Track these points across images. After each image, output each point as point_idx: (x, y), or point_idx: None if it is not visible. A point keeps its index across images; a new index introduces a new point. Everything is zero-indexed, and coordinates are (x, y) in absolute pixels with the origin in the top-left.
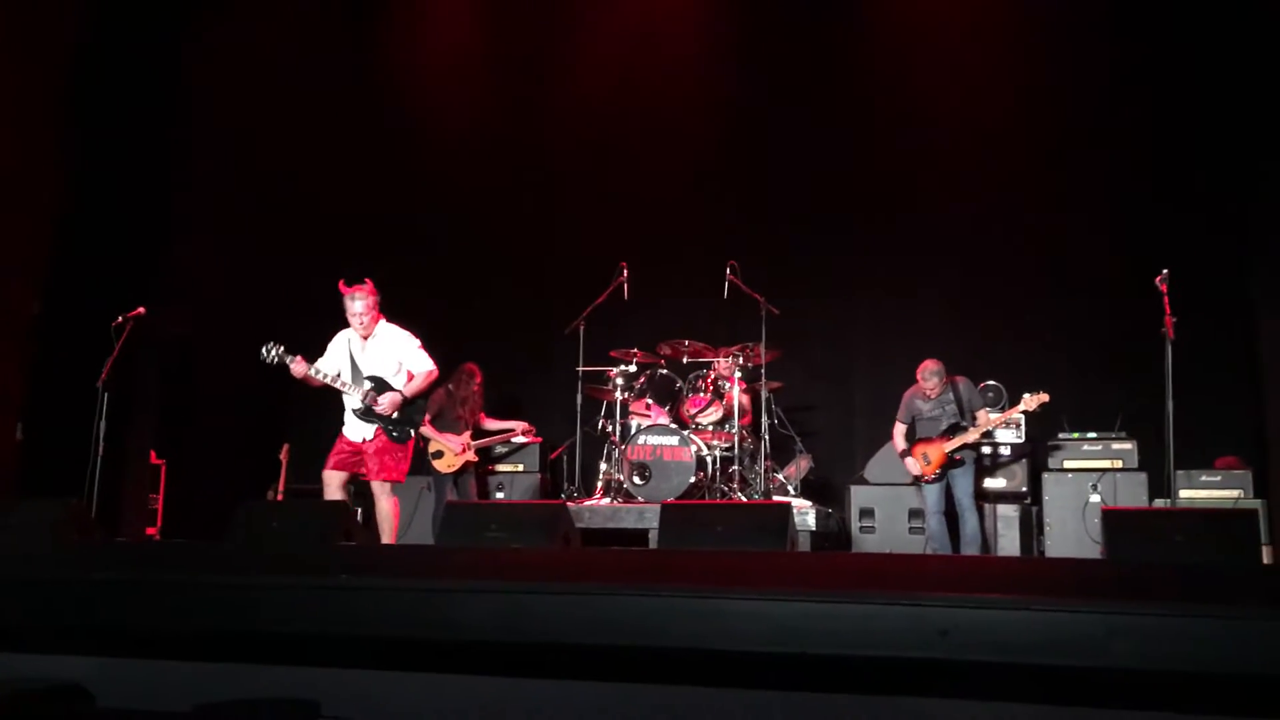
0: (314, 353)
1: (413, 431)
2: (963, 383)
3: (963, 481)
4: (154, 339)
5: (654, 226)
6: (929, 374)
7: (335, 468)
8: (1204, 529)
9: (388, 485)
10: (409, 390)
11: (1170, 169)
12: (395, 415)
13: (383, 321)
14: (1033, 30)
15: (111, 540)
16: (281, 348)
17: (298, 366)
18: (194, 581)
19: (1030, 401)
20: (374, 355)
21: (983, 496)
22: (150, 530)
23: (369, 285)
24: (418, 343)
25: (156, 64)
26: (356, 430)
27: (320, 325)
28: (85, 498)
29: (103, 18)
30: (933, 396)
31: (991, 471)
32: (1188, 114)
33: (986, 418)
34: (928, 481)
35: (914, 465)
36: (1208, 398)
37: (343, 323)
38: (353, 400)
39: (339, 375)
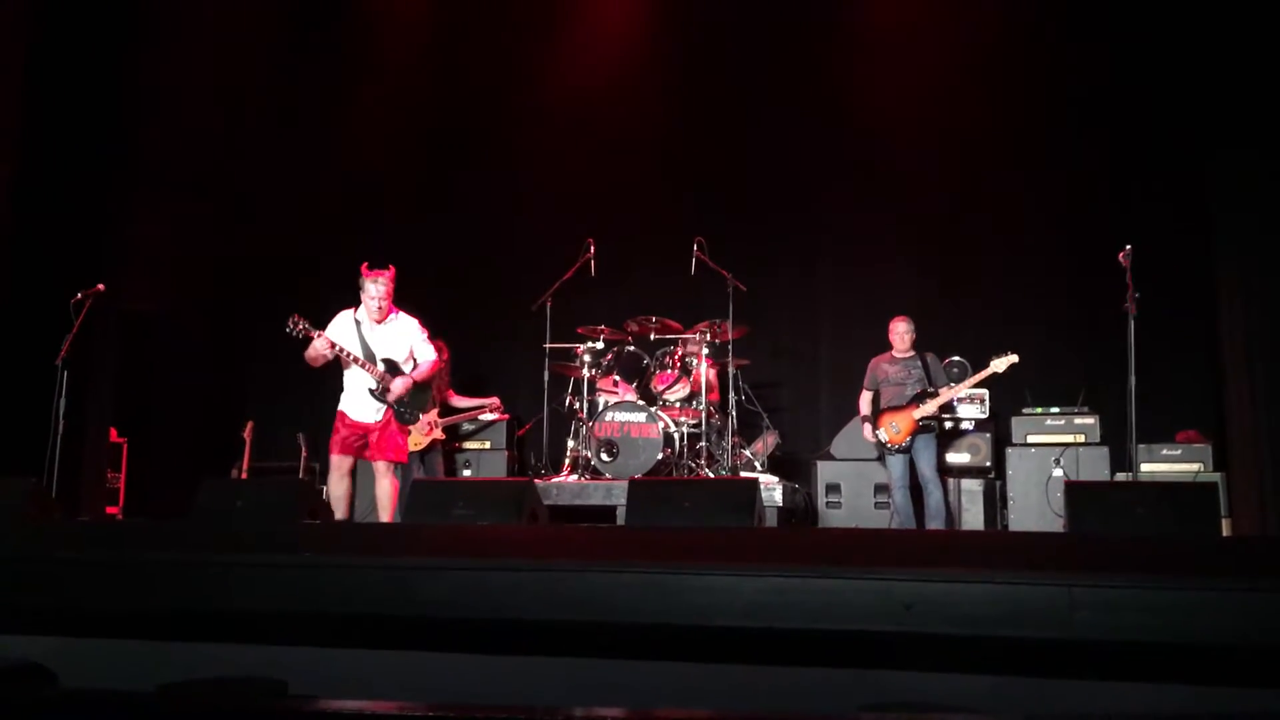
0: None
1: (421, 414)
2: (931, 357)
3: (925, 454)
4: (114, 315)
5: (621, 203)
6: (898, 324)
7: (344, 452)
8: (1165, 502)
9: (393, 465)
10: (415, 375)
11: (1134, 147)
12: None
13: (395, 310)
14: (997, 14)
15: (72, 519)
16: (306, 322)
17: (321, 342)
18: (157, 560)
19: (999, 363)
20: (386, 339)
21: (946, 470)
22: (112, 509)
23: (391, 271)
24: (426, 333)
25: (116, 33)
26: (366, 410)
27: (285, 300)
28: (45, 477)
29: None
30: (900, 355)
31: (955, 445)
32: (1152, 93)
33: (950, 391)
34: (893, 452)
35: (881, 434)
36: (1169, 373)
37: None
38: (367, 380)
39: (356, 354)
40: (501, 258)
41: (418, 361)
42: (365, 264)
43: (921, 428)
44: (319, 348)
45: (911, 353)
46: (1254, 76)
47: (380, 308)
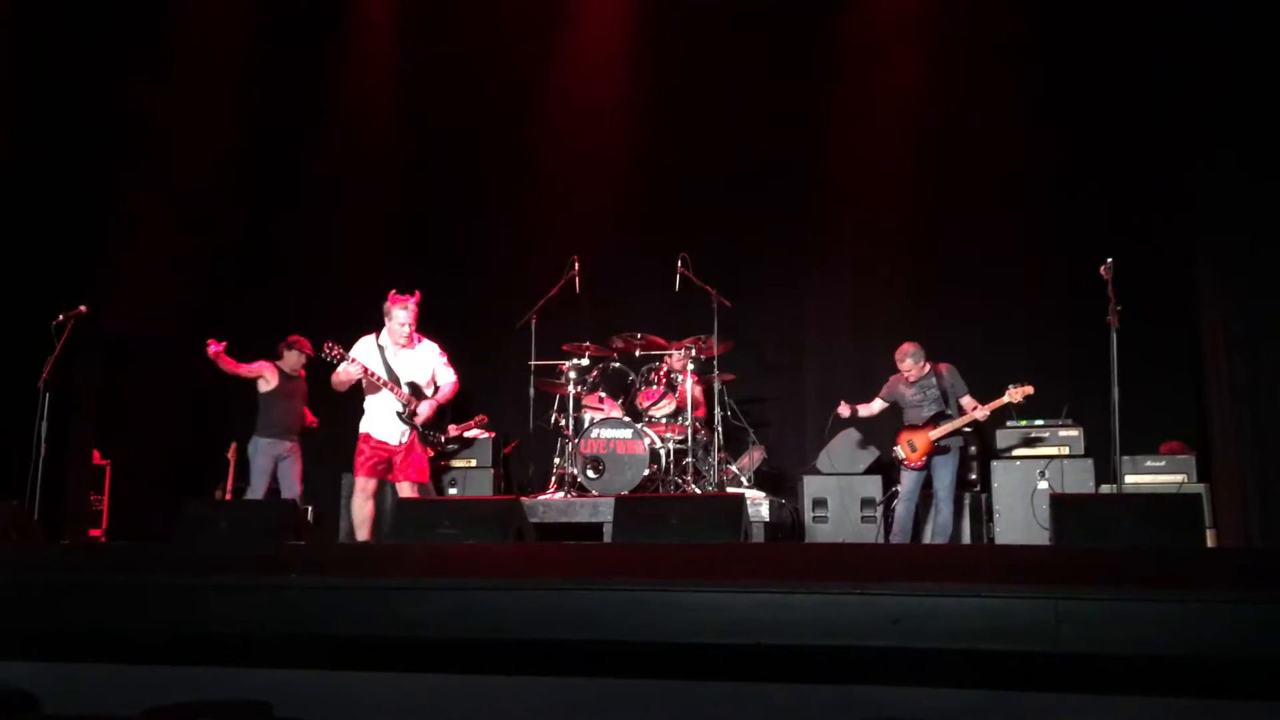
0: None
1: (442, 438)
2: (946, 370)
3: (942, 473)
4: (96, 337)
5: (605, 219)
6: (904, 355)
7: (370, 474)
8: (1149, 514)
9: (415, 486)
10: (439, 399)
11: (1116, 160)
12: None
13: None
14: (980, 28)
15: (54, 542)
16: (341, 348)
17: (354, 367)
18: (141, 583)
19: (1015, 393)
20: (411, 363)
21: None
22: (94, 532)
23: (416, 296)
24: (446, 357)
25: (103, 54)
26: (391, 432)
27: (270, 321)
28: (27, 500)
29: (46, 8)
30: (912, 379)
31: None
32: (1133, 106)
33: (972, 403)
34: (910, 470)
35: (899, 451)
36: (1152, 384)
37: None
38: (393, 403)
39: (384, 377)
40: (486, 275)
41: (439, 385)
42: (393, 291)
43: (938, 448)
44: (351, 372)
45: (926, 368)
46: (1236, 91)
47: (407, 332)
